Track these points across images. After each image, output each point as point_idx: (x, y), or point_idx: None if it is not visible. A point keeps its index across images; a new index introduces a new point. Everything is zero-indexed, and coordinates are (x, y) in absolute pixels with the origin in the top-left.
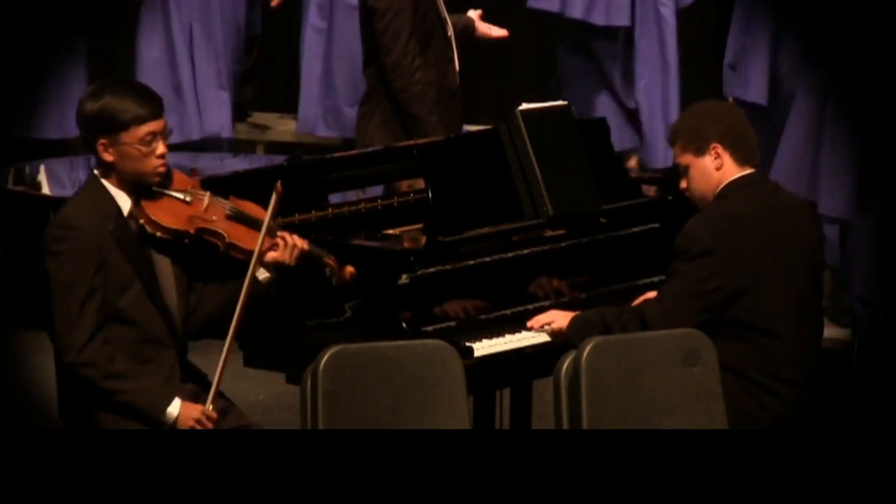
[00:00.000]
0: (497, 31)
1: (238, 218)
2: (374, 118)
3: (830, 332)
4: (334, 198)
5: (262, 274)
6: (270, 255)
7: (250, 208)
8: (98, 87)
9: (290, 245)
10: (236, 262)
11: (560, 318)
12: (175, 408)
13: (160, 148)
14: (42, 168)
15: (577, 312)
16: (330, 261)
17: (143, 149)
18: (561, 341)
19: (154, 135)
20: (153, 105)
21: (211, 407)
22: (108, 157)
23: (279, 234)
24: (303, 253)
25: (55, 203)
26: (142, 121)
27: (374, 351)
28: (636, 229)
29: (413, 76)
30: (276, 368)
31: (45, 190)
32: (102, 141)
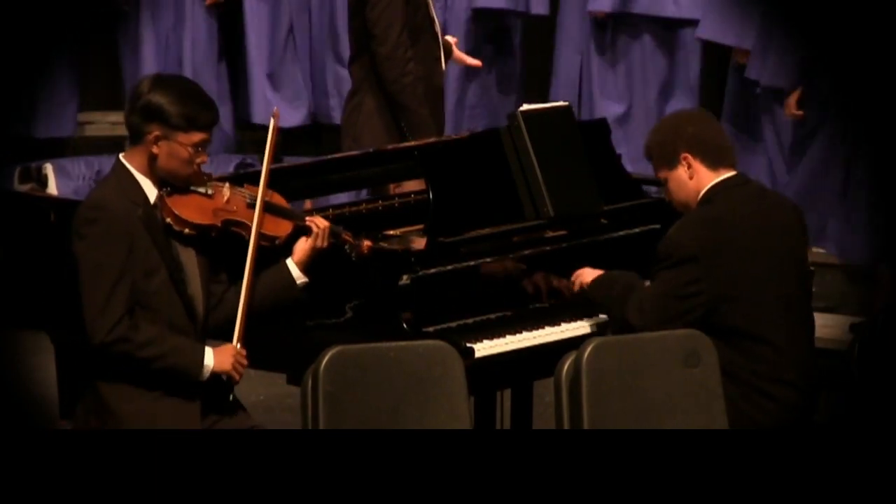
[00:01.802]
0: (471, 61)
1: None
2: (363, 111)
3: (831, 331)
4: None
5: (301, 279)
6: (308, 244)
7: (267, 194)
8: (166, 79)
9: (323, 228)
10: (261, 249)
11: (587, 275)
12: (210, 358)
13: (202, 157)
14: (49, 165)
15: (604, 272)
16: (348, 237)
17: (193, 154)
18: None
19: (205, 144)
20: (214, 115)
21: (239, 345)
22: (155, 150)
23: (308, 219)
24: (330, 232)
25: (57, 204)
26: (202, 128)
27: (375, 351)
28: (636, 230)
29: (405, 67)
30: (276, 369)
31: (52, 185)
32: (157, 133)
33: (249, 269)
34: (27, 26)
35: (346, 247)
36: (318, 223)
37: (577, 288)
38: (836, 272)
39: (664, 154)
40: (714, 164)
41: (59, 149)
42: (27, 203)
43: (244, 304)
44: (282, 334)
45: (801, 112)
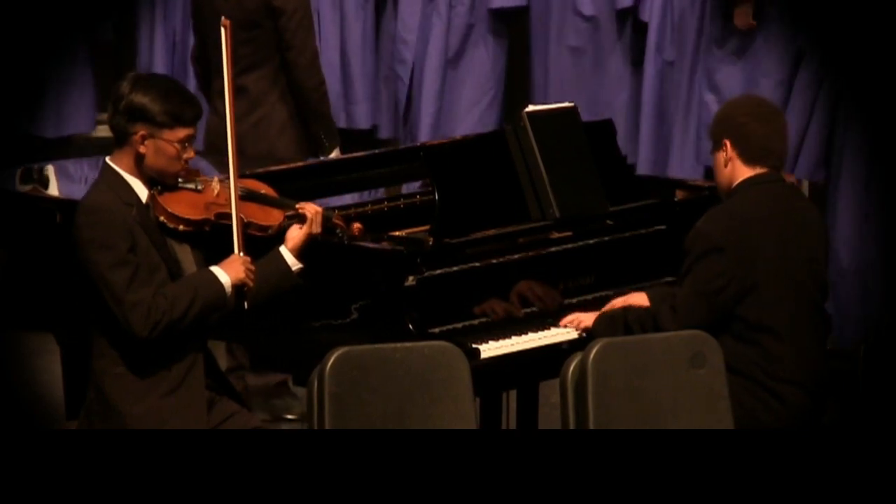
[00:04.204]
0: None
1: (249, 197)
2: (273, 124)
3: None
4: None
5: (296, 265)
6: (302, 231)
7: (257, 186)
8: (145, 78)
9: (314, 213)
10: (255, 240)
11: (586, 318)
12: (223, 275)
13: (190, 153)
14: (50, 166)
15: (602, 311)
16: (339, 221)
17: (180, 150)
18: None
19: (191, 139)
20: (197, 110)
21: (241, 253)
22: (142, 149)
23: (297, 206)
24: (322, 218)
25: (60, 204)
26: (186, 123)
27: (381, 353)
28: (642, 231)
29: (321, 75)
30: (282, 370)
31: (54, 186)
32: (142, 132)
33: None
34: (39, 25)
35: (338, 230)
36: (310, 209)
37: (580, 333)
38: None
39: (713, 134)
40: (751, 160)
41: (65, 149)
42: (32, 204)
43: (237, 213)
44: (288, 335)
45: (754, 22)
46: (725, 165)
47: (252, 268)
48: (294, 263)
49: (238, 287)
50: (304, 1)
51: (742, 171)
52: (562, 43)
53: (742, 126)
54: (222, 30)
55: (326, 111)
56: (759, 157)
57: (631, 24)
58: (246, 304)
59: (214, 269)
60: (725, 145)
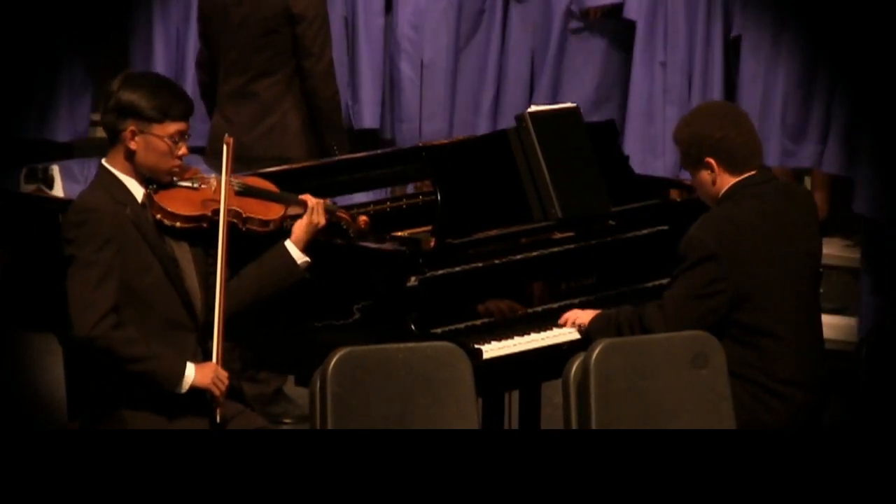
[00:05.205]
0: None
1: (248, 192)
2: (288, 132)
3: (839, 333)
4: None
5: (301, 259)
6: (303, 222)
7: (255, 182)
8: (135, 76)
9: (316, 204)
10: (258, 236)
11: (583, 316)
12: (191, 370)
13: (182, 149)
14: (55, 166)
15: (600, 311)
16: (343, 214)
17: (171, 145)
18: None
19: (182, 134)
20: (187, 105)
21: (221, 366)
22: (132, 146)
23: (300, 197)
24: (326, 210)
25: (63, 205)
26: (175, 118)
27: (383, 353)
28: (644, 231)
29: (336, 84)
30: (285, 370)
31: (58, 186)
32: (132, 128)
33: (221, 282)
34: (37, 27)
35: (342, 224)
36: (311, 200)
37: (577, 330)
38: (843, 273)
39: (689, 154)
40: (737, 168)
41: (67, 150)
42: (35, 205)
43: (220, 326)
44: (290, 336)
45: None
46: (714, 183)
47: (225, 382)
48: (300, 257)
49: (211, 398)
50: (323, 8)
51: (729, 180)
52: (554, 40)
53: (721, 140)
54: (224, 147)
55: (339, 122)
56: (746, 162)
57: (619, 23)
58: (218, 417)
59: (189, 364)
60: (711, 164)
